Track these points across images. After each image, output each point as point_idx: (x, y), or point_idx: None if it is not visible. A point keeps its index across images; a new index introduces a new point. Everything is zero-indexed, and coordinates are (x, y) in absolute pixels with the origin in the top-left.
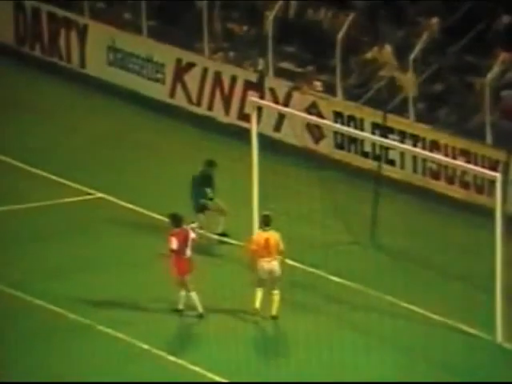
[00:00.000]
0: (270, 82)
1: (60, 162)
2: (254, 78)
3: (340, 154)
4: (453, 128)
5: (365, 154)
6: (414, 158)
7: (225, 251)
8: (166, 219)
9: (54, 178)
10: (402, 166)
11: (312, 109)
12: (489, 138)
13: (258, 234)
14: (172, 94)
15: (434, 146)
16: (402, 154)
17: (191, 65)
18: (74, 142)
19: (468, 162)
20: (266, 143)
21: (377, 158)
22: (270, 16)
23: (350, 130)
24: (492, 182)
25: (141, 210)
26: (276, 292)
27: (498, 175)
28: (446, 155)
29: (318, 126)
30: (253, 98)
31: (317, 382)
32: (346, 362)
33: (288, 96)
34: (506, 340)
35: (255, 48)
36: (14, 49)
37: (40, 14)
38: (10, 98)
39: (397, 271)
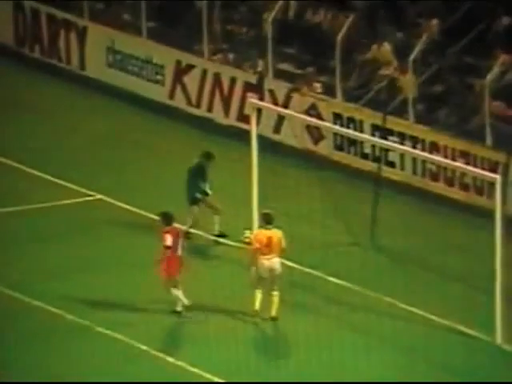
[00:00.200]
0: (270, 83)
1: (59, 163)
2: (253, 79)
3: (339, 156)
4: (452, 129)
5: (364, 156)
6: (414, 159)
7: (223, 252)
8: (157, 218)
9: (53, 179)
10: (402, 168)
11: (311, 110)
12: (488, 140)
13: (261, 233)
14: (171, 96)
15: (434, 148)
16: (402, 156)
17: (191, 66)
18: (73, 143)
19: (468, 163)
20: (266, 144)
21: (376, 160)
22: (270, 17)
23: (350, 132)
24: (492, 183)
25: (140, 211)
26: (276, 293)
27: (497, 177)
28: (446, 157)
29: (317, 128)
30: (252, 99)
31: (317, 382)
32: (346, 363)
33: (287, 97)
34: (506, 341)
35: (255, 49)
36: (14, 50)
37: (39, 16)
38: (9, 99)
39: (396, 272)
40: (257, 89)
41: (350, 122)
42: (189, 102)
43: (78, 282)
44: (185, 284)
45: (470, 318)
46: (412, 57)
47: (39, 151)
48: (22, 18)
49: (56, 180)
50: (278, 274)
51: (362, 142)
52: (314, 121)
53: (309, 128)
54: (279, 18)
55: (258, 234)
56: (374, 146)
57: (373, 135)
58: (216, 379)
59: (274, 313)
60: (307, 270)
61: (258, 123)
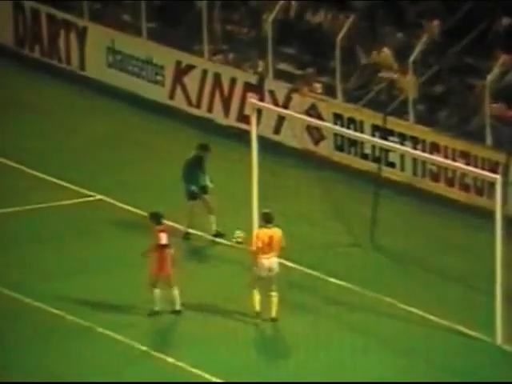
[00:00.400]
0: (270, 83)
1: (60, 163)
2: (253, 79)
3: (340, 156)
4: (453, 130)
5: (365, 156)
6: (414, 159)
7: (221, 252)
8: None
9: (53, 179)
10: (402, 168)
11: (312, 111)
12: (489, 140)
13: (262, 232)
14: (172, 96)
15: (434, 148)
16: (402, 156)
17: (191, 67)
18: (73, 143)
19: (468, 163)
20: (266, 145)
21: (377, 160)
22: (270, 18)
23: (350, 132)
24: (492, 183)
25: (140, 211)
26: (274, 294)
27: (497, 177)
28: (446, 157)
29: (317, 128)
30: (252, 99)
31: (317, 382)
32: (345, 364)
33: (288, 98)
34: (506, 342)
35: (255, 50)
36: (14, 50)
37: (39, 16)
38: (9, 100)
39: (396, 273)
40: (257, 89)
41: (351, 122)
42: (189, 103)
43: (78, 282)
44: (184, 284)
45: (470, 319)
46: (412, 57)
47: (39, 151)
48: (21, 18)
49: (56, 180)
50: (275, 274)
51: (362, 143)
52: (314, 121)
53: (309, 128)
54: (279, 18)
55: (259, 233)
56: (374, 147)
57: (373, 136)
58: (216, 380)
59: (273, 314)
60: (307, 270)
61: (258, 124)
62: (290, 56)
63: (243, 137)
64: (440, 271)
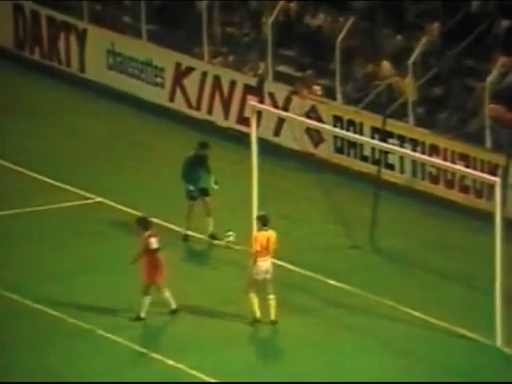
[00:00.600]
0: (270, 86)
1: (59, 165)
2: (253, 82)
3: (339, 158)
4: (452, 132)
5: (364, 158)
6: (414, 162)
7: (220, 254)
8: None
9: (53, 181)
10: (402, 170)
11: (311, 113)
12: (488, 142)
13: (260, 235)
14: (171, 98)
15: (434, 150)
16: (402, 158)
17: (190, 69)
18: (73, 145)
19: (467, 166)
20: (266, 147)
21: (376, 162)
22: (270, 20)
23: (350, 134)
24: (491, 186)
25: (140, 214)
26: (272, 296)
27: (497, 179)
28: (446, 159)
29: (317, 130)
30: (252, 102)
31: (317, 383)
32: (345, 366)
33: (287, 100)
34: (506, 344)
35: (255, 52)
36: (14, 53)
37: (39, 18)
38: (9, 102)
39: (396, 274)
40: (257, 91)
41: (350, 124)
42: (189, 105)
43: (78, 284)
44: (182, 286)
45: (470, 321)
46: (412, 59)
47: (39, 153)
48: (21, 20)
49: (56, 182)
50: (270, 276)
51: (361, 145)
52: (313, 123)
53: (309, 131)
54: (279, 20)
55: (258, 236)
56: (373, 149)
57: (373, 138)
58: (215, 381)
59: (273, 316)
60: (307, 272)
61: (258, 126)
62: (290, 58)
63: (243, 139)
64: (440, 273)
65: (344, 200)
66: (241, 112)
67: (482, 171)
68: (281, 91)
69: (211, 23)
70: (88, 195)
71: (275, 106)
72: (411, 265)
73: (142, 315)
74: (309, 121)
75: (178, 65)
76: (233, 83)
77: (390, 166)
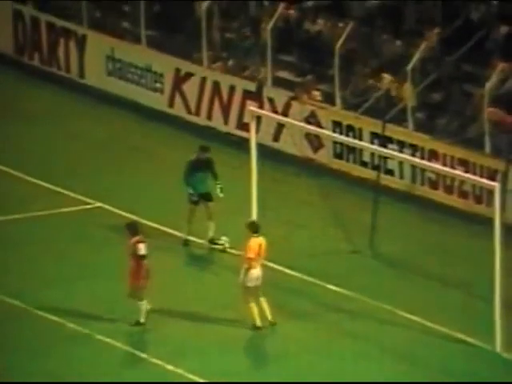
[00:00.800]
0: (269, 91)
1: (59, 171)
2: (252, 87)
3: (339, 164)
4: (451, 137)
5: (364, 164)
6: (413, 167)
7: (220, 259)
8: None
9: (52, 187)
10: (401, 176)
11: (311, 118)
12: (487, 148)
13: (254, 242)
14: (171, 104)
15: (433, 156)
16: (401, 164)
17: (190, 74)
18: (72, 151)
19: (467, 171)
20: (265, 152)
21: (376, 168)
22: (269, 26)
23: (349, 140)
24: (491, 191)
25: (139, 219)
26: (263, 298)
27: (496, 185)
28: (445, 165)
29: (316, 136)
30: (252, 107)
31: (316, 382)
32: (345, 370)
33: (287, 105)
34: (505, 349)
35: (254, 57)
36: (13, 58)
37: (39, 24)
38: (8, 107)
39: (396, 280)
40: (256, 97)
41: (350, 129)
42: (188, 110)
43: (78, 290)
44: (182, 291)
45: (469, 326)
46: (411, 65)
47: (39, 159)
48: (21, 26)
49: (55, 188)
50: (261, 282)
51: (361, 150)
52: (313, 129)
53: (308, 136)
54: (278, 26)
55: (252, 243)
56: (373, 154)
57: (372, 143)
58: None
59: (270, 317)
60: (307, 277)
61: (257, 131)
62: (290, 64)
63: (242, 144)
64: (439, 278)
65: (343, 205)
66: (240, 117)
67: (482, 176)
68: (280, 96)
69: (210, 29)
70: (88, 200)
71: (275, 111)
72: (411, 270)
73: (142, 320)
74: (308, 126)
75: (178, 70)
76: (232, 88)
77: (390, 172)
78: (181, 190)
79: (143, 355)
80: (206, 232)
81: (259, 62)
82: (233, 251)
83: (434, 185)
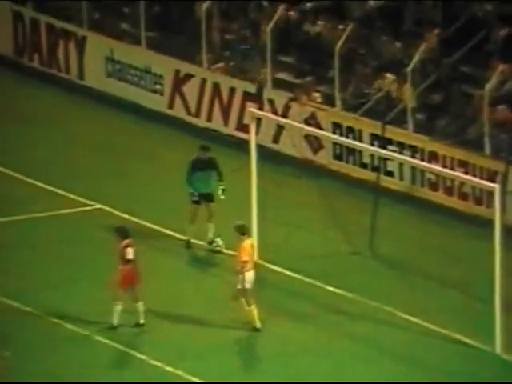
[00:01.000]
0: (269, 93)
1: (59, 172)
2: (252, 89)
3: (338, 165)
4: (451, 139)
5: (363, 165)
6: (413, 168)
7: (221, 261)
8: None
9: (52, 188)
10: (401, 177)
11: (311, 120)
12: (487, 149)
13: (247, 244)
14: (171, 105)
15: (433, 157)
16: (401, 165)
17: (190, 76)
18: (72, 153)
19: (466, 172)
20: (265, 154)
21: (375, 169)
22: (269, 27)
23: (349, 141)
24: (490, 192)
25: (139, 220)
26: (253, 307)
27: (496, 186)
28: (445, 166)
29: (316, 137)
30: (252, 108)
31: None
32: (345, 372)
33: (287, 107)
34: (505, 351)
35: (254, 59)
36: (13, 60)
37: (39, 26)
38: (8, 109)
39: (395, 281)
40: (256, 98)
41: (349, 131)
42: (188, 112)
43: (77, 291)
44: (183, 293)
45: (469, 328)
46: (410, 67)
47: (38, 161)
48: (21, 27)
49: (55, 189)
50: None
51: (360, 152)
52: (313, 130)
53: (308, 137)
54: (278, 27)
55: (245, 246)
56: (373, 156)
57: (372, 145)
58: None
59: (258, 325)
60: (306, 278)
61: (257, 132)
62: (289, 65)
63: (242, 145)
64: (439, 280)
65: (343, 206)
66: (240, 119)
67: (482, 178)
68: (280, 98)
69: (210, 30)
70: (87, 202)
71: (274, 112)
72: (410, 271)
73: (142, 321)
74: (308, 127)
75: (177, 72)
76: (232, 90)
77: (389, 173)
78: (180, 191)
79: (143, 357)
80: (205, 233)
81: (259, 63)
82: (230, 252)
83: (433, 186)
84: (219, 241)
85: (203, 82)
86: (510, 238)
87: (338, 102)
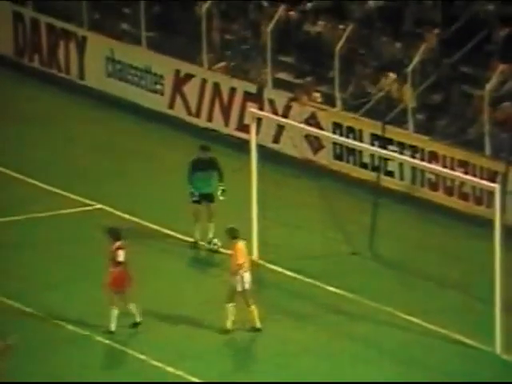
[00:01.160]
0: (269, 93)
1: (59, 173)
2: (253, 89)
3: (339, 165)
4: (451, 139)
5: (364, 165)
6: (413, 168)
7: (222, 261)
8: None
9: (52, 189)
10: (401, 177)
11: (311, 120)
12: (487, 149)
13: (243, 246)
14: (171, 105)
15: (433, 157)
16: (401, 165)
17: (190, 76)
18: (73, 152)
19: (467, 172)
20: (265, 154)
21: (376, 169)
22: (269, 27)
23: (349, 141)
24: (491, 192)
25: (140, 220)
26: (254, 307)
27: (496, 186)
28: (445, 166)
29: (316, 137)
30: (252, 109)
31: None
32: (344, 372)
33: (287, 107)
34: (505, 351)
35: (254, 59)
36: (13, 60)
37: (39, 26)
38: (8, 109)
39: (395, 281)
40: (256, 98)
41: (350, 131)
42: (188, 112)
43: (78, 291)
44: (184, 293)
45: (469, 328)
46: (411, 67)
47: (38, 161)
48: (21, 27)
49: (55, 189)
50: (250, 287)
51: (361, 152)
52: (313, 130)
53: (308, 137)
54: (278, 27)
55: (241, 247)
56: (373, 156)
57: (372, 145)
58: None
59: (258, 324)
60: (306, 278)
61: (257, 133)
62: (290, 65)
63: (243, 146)
64: (439, 279)
65: (343, 207)
66: (241, 119)
67: (482, 178)
68: (280, 98)
69: (210, 30)
70: (88, 202)
71: (275, 112)
72: (410, 271)
73: (138, 320)
74: (308, 127)
75: (178, 72)
76: (232, 90)
77: (390, 173)
78: (181, 191)
79: (143, 357)
80: (205, 233)
81: (259, 63)
82: (228, 252)
83: (434, 186)
84: (217, 241)
85: (203, 82)
86: (510, 238)
87: (339, 102)
